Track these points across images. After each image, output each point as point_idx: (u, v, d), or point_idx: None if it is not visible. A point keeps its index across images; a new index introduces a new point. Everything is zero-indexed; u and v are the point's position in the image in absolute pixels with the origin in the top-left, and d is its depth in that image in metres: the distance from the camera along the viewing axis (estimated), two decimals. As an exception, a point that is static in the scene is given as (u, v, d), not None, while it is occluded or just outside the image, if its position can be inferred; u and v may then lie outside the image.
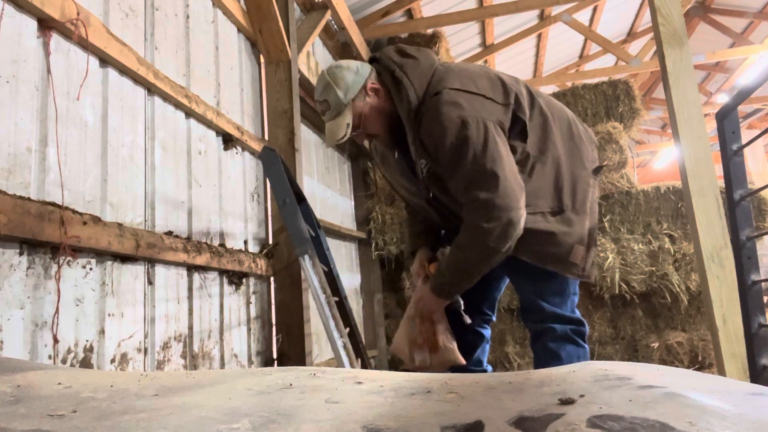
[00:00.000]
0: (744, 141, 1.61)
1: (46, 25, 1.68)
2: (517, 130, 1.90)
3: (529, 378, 0.46)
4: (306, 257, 2.24)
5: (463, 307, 2.06)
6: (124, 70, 2.03)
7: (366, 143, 2.49)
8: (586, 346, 2.04)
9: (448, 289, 1.93)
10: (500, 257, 1.82)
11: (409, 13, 5.67)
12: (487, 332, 2.29)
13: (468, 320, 2.06)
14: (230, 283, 2.68)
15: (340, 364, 2.12)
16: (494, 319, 2.31)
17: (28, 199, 1.54)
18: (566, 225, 1.92)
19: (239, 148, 2.95)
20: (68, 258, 1.65)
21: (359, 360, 2.47)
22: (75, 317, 1.69)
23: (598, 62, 8.81)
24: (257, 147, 3.00)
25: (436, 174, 1.88)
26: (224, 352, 2.56)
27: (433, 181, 1.91)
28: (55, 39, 1.73)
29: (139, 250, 1.92)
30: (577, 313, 2.06)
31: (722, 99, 9.96)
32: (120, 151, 1.98)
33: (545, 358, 1.99)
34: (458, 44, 6.67)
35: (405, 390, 0.44)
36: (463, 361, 2.01)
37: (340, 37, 4.83)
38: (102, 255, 1.82)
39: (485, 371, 2.34)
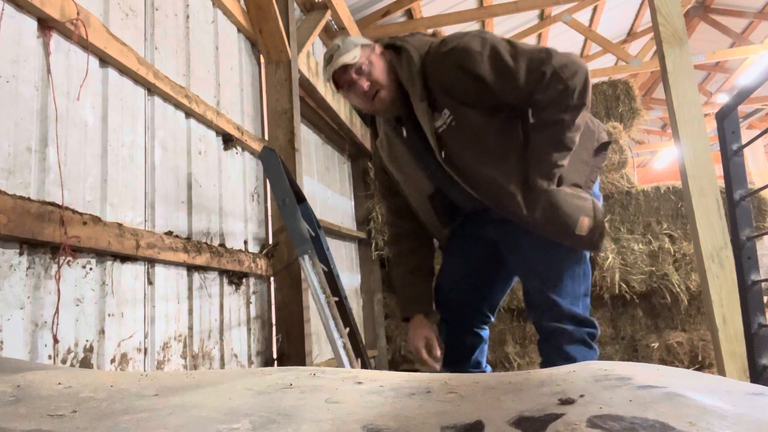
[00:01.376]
0: (744, 141, 1.61)
1: (46, 25, 1.68)
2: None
3: (529, 378, 0.46)
4: (306, 257, 2.24)
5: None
6: (124, 70, 2.03)
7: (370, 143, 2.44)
8: (597, 349, 1.99)
9: (550, 172, 1.84)
10: (582, 113, 1.80)
11: (409, 13, 5.67)
12: (485, 333, 2.27)
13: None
14: (230, 283, 2.68)
15: (340, 364, 2.12)
16: (492, 320, 2.29)
17: (28, 199, 1.54)
18: (576, 198, 1.91)
19: (239, 148, 2.95)
20: (68, 258, 1.65)
21: (359, 360, 2.47)
22: (75, 317, 1.69)
23: (598, 62, 8.81)
24: (257, 147, 3.00)
25: (462, 121, 1.82)
26: (224, 352, 2.56)
27: (457, 131, 1.83)
28: (55, 39, 1.73)
29: (139, 250, 1.92)
30: (588, 314, 2.02)
31: (722, 99, 9.96)
32: (120, 151, 1.98)
33: (558, 360, 1.91)
34: (458, 44, 6.66)
35: (405, 390, 0.44)
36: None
37: (340, 37, 4.83)
38: (102, 255, 1.82)
39: (484, 372, 2.34)
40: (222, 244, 2.63)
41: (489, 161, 1.85)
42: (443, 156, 1.87)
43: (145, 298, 2.03)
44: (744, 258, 1.58)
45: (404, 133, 1.97)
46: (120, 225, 1.88)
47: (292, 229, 2.27)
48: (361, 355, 2.59)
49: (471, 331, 2.22)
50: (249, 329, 2.84)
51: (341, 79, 1.90)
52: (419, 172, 2.01)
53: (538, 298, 2.01)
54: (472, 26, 6.46)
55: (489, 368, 2.37)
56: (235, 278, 2.72)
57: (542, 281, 1.98)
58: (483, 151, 1.84)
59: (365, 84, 1.87)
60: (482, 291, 2.21)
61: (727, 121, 1.62)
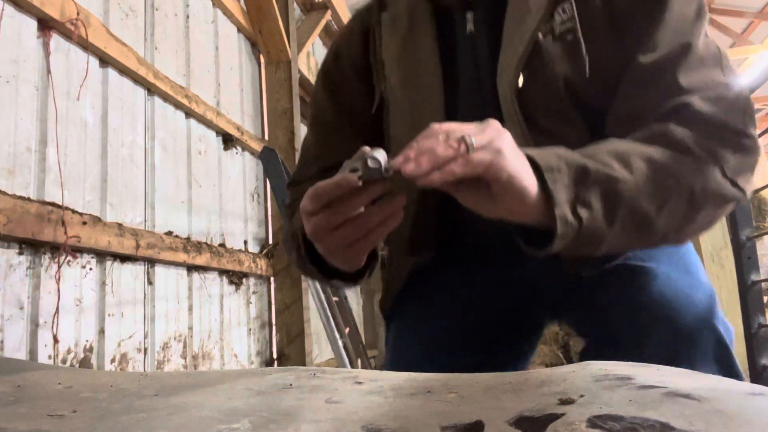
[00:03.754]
0: (744, 141, 1.61)
1: (46, 25, 1.68)
2: None
3: (529, 378, 0.46)
4: (306, 257, 2.24)
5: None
6: (124, 70, 2.03)
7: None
8: None
9: (599, 231, 0.71)
10: (722, 211, 0.79)
11: (409, 13, 5.66)
12: None
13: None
14: (230, 283, 2.68)
15: (340, 364, 2.12)
16: None
17: (28, 199, 1.54)
18: None
19: (239, 148, 2.95)
20: (68, 258, 1.65)
21: (359, 360, 2.47)
22: (75, 317, 1.69)
23: (598, 62, 8.79)
24: (257, 147, 3.00)
25: (589, 27, 0.85)
26: (224, 352, 2.56)
27: (571, 44, 0.85)
28: (55, 39, 1.73)
29: (139, 250, 1.92)
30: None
31: (722, 99, 9.94)
32: (120, 151, 1.98)
33: None
34: (458, 44, 6.66)
35: (405, 390, 0.44)
36: None
37: (340, 37, 4.83)
38: (102, 255, 1.82)
39: None
40: (222, 244, 2.63)
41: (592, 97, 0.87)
42: (524, 75, 0.87)
43: (145, 298, 2.03)
44: (744, 258, 1.58)
45: (469, 27, 0.95)
46: (120, 225, 1.88)
47: (292, 229, 2.27)
48: (361, 355, 2.59)
49: None
50: (249, 329, 2.84)
51: None
52: (438, 92, 0.94)
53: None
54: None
55: None
56: (235, 278, 2.73)
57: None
58: (598, 82, 0.85)
59: None
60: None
61: (727, 121, 1.62)
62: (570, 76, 0.85)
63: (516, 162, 0.65)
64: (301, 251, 0.85)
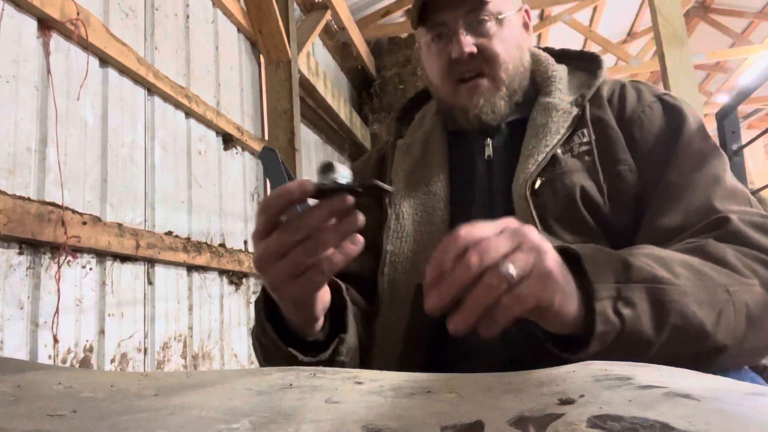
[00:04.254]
0: (744, 141, 1.61)
1: (46, 25, 1.68)
2: None
3: (529, 378, 0.46)
4: (306, 257, 2.24)
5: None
6: (124, 70, 2.03)
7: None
8: None
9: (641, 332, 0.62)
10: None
11: (410, 14, 5.66)
12: None
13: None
14: (230, 283, 2.68)
15: (340, 364, 2.12)
16: None
17: (28, 199, 1.54)
18: None
19: (239, 148, 2.95)
20: (68, 258, 1.65)
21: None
22: (75, 317, 1.69)
23: (598, 62, 8.77)
24: (257, 147, 3.00)
25: (605, 150, 0.89)
26: (224, 352, 2.56)
27: (587, 166, 0.88)
28: (55, 39, 1.73)
29: (139, 250, 1.92)
30: None
31: (722, 99, 9.94)
32: (120, 151, 1.98)
33: None
34: (458, 44, 6.66)
35: (405, 390, 0.44)
36: None
37: (340, 37, 4.83)
38: (102, 255, 1.82)
39: None
40: (222, 244, 2.63)
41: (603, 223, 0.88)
42: (541, 179, 0.90)
43: (145, 298, 2.03)
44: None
45: (488, 152, 0.99)
46: (120, 225, 1.88)
47: (292, 229, 2.27)
48: (361, 355, 2.60)
49: None
50: (249, 329, 2.84)
51: (441, 14, 0.95)
52: (445, 209, 0.96)
53: None
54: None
55: None
56: (235, 278, 2.73)
57: None
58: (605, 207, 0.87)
59: (469, 40, 0.92)
60: None
61: (727, 121, 1.62)
62: (587, 188, 0.84)
63: (565, 287, 0.58)
64: (261, 310, 0.74)
